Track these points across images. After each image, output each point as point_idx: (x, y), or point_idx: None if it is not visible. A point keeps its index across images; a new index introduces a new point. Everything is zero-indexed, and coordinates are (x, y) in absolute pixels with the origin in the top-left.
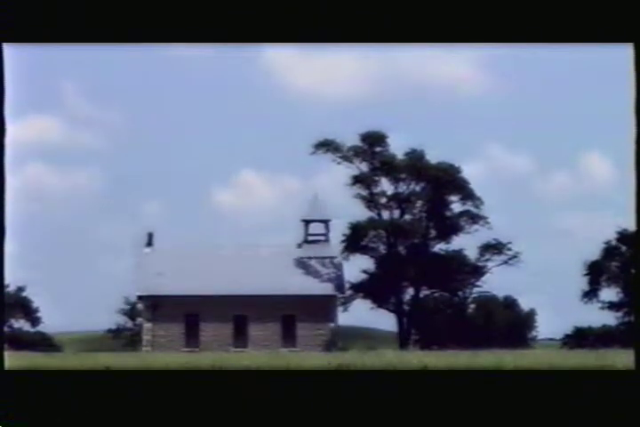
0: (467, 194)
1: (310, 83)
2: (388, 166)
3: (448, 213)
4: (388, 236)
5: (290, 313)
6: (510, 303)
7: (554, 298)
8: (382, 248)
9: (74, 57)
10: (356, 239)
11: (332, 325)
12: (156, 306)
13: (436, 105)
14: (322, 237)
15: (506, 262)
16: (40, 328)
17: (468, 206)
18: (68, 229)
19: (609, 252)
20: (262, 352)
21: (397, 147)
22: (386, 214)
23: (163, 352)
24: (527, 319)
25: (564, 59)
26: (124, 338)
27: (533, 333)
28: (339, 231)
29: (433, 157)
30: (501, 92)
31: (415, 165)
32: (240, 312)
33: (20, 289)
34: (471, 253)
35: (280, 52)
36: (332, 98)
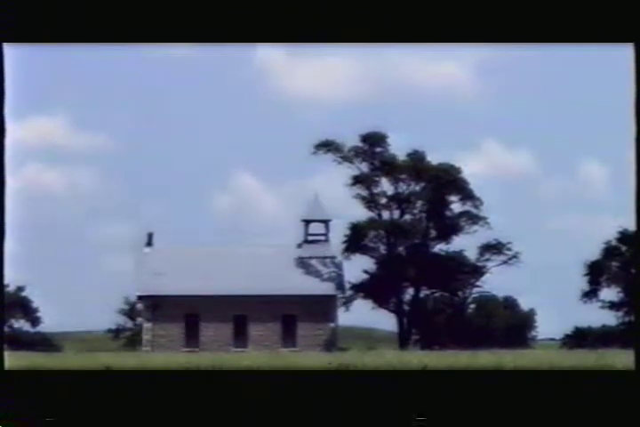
0: (466, 194)
1: (308, 84)
2: (388, 167)
3: (448, 214)
4: (389, 236)
5: (290, 313)
6: (510, 303)
7: (554, 298)
8: (382, 248)
9: (74, 57)
10: (356, 239)
11: (332, 325)
12: (156, 306)
13: (435, 105)
14: (322, 237)
15: (506, 262)
16: (40, 328)
17: (468, 207)
18: (68, 228)
19: (609, 252)
20: (262, 352)
21: (396, 147)
22: (386, 215)
23: (163, 352)
24: (527, 319)
25: (564, 59)
26: (124, 338)
27: (533, 333)
28: (339, 231)
29: (432, 157)
30: (501, 91)
31: (415, 165)
32: (240, 312)
33: (20, 289)
34: (471, 254)
35: (277, 52)
36: (330, 99)
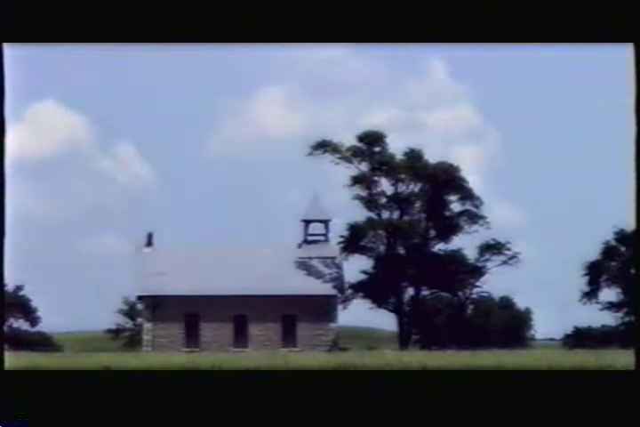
0: (466, 194)
1: None
2: (386, 167)
3: (447, 213)
4: (388, 236)
5: (290, 313)
6: (509, 303)
7: (553, 298)
8: (382, 248)
9: (74, 57)
10: (355, 240)
11: (332, 325)
12: (156, 306)
13: (432, 106)
14: (322, 238)
15: (505, 262)
16: (39, 328)
17: (468, 206)
18: (67, 228)
19: (608, 252)
20: (262, 352)
21: (394, 147)
22: (385, 215)
23: (163, 352)
24: (526, 319)
25: (564, 59)
26: (124, 338)
27: (533, 333)
28: (338, 232)
29: (431, 156)
30: (500, 91)
31: (413, 164)
32: (240, 312)
33: (19, 288)
34: (471, 254)
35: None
36: None
